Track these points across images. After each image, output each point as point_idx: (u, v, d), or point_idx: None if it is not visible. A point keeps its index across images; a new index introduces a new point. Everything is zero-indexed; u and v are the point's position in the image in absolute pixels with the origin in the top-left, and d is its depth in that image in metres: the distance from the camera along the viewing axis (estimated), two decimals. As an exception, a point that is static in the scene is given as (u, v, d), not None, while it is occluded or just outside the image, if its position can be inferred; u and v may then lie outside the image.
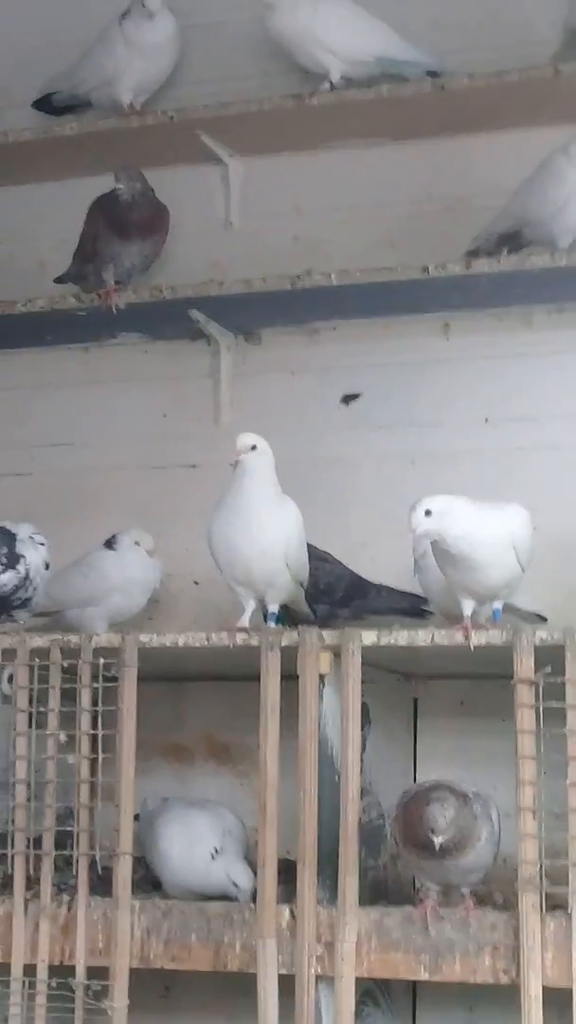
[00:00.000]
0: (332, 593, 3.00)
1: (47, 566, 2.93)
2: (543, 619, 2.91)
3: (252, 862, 2.81)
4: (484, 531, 2.60)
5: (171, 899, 2.76)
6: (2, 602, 2.89)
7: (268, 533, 2.76)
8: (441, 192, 3.31)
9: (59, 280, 3.43)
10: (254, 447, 2.76)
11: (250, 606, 2.80)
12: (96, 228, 3.33)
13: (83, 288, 3.37)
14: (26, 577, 2.89)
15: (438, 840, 2.43)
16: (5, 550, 2.87)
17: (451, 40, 3.30)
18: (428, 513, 2.56)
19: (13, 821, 2.80)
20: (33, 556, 2.90)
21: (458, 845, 2.46)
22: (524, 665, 2.54)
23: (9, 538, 2.89)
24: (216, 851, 2.76)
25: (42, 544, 2.93)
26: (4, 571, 2.86)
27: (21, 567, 2.88)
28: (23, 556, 2.89)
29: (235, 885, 2.72)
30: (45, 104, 3.60)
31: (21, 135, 3.47)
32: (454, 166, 3.30)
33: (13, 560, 2.88)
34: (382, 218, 3.33)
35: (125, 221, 3.28)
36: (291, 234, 3.41)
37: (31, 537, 2.92)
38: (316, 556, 2.95)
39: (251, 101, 3.30)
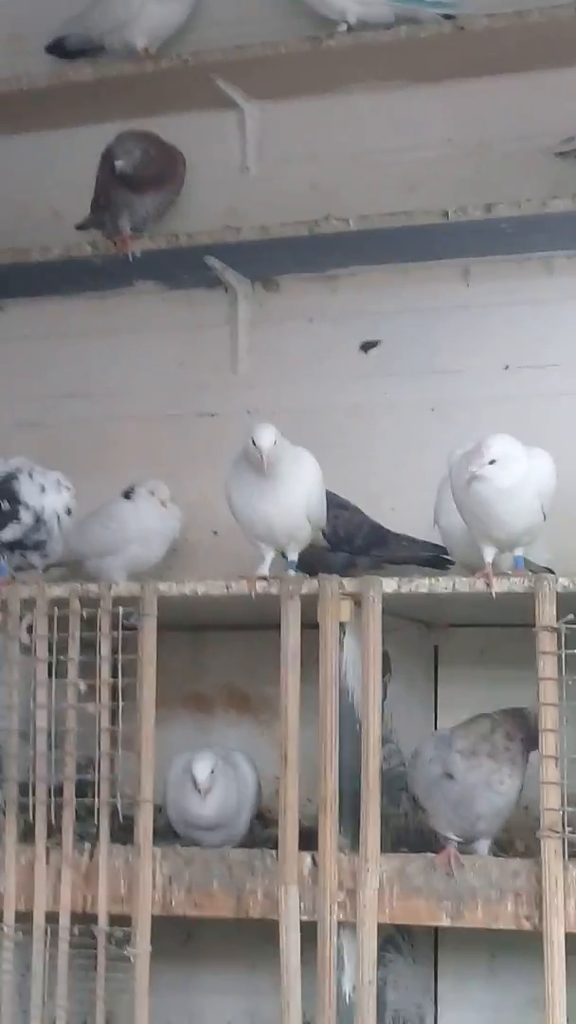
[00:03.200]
0: (351, 541, 2.98)
1: (69, 511, 2.92)
2: (551, 572, 2.89)
3: (267, 812, 2.83)
4: (520, 481, 2.57)
5: (191, 846, 2.76)
6: (14, 545, 2.89)
7: (289, 495, 2.74)
8: (461, 136, 3.28)
9: (80, 227, 3.39)
10: (275, 442, 2.70)
11: (269, 555, 2.79)
12: (106, 179, 3.30)
13: (103, 234, 3.33)
14: (37, 521, 2.88)
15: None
16: (3, 505, 2.86)
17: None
18: (492, 461, 2.54)
19: (34, 770, 2.80)
20: (53, 499, 2.89)
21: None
22: (546, 612, 2.52)
23: (6, 490, 2.88)
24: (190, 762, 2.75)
25: (67, 488, 2.92)
26: (2, 529, 2.86)
27: (26, 516, 2.87)
28: (24, 503, 2.87)
29: (194, 779, 2.71)
30: (58, 48, 3.56)
31: (35, 81, 3.44)
32: (474, 109, 3.26)
33: (10, 516, 2.87)
34: (401, 163, 3.30)
35: (132, 178, 3.25)
36: (308, 179, 3.37)
37: (58, 481, 2.92)
38: (336, 504, 2.93)
39: (267, 44, 3.25)
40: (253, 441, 2.68)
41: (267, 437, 2.68)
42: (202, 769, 2.72)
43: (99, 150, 3.35)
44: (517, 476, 2.56)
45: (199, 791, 2.71)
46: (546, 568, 2.88)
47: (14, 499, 2.89)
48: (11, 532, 2.88)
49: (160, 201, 3.31)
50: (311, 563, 2.85)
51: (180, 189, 3.34)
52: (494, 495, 2.57)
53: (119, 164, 3.22)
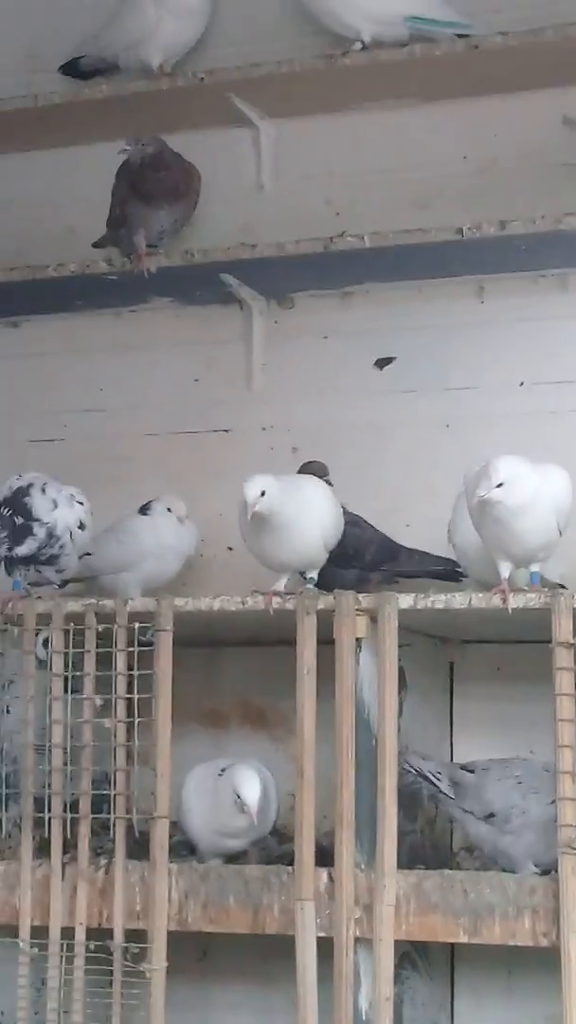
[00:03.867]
0: (362, 556, 2.99)
1: (81, 525, 2.93)
2: (563, 588, 2.89)
3: (283, 828, 2.83)
4: (535, 498, 2.58)
5: (207, 862, 2.76)
6: (28, 560, 2.90)
7: (301, 537, 2.76)
8: (475, 153, 3.28)
9: (97, 244, 3.41)
10: (263, 492, 2.69)
11: (286, 574, 2.80)
12: (123, 194, 3.31)
13: (120, 252, 3.34)
14: (49, 536, 2.88)
15: None
16: (12, 525, 2.87)
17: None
18: (500, 484, 2.54)
19: (50, 785, 2.80)
20: (65, 514, 2.90)
21: None
22: (562, 628, 2.53)
23: (16, 510, 2.88)
24: (223, 771, 2.73)
25: (80, 503, 2.93)
26: (15, 545, 2.87)
27: (39, 530, 2.88)
28: (38, 520, 2.88)
29: (238, 797, 2.67)
30: (72, 68, 3.57)
31: (50, 99, 3.44)
32: (488, 127, 3.27)
33: (25, 531, 2.87)
34: (415, 180, 3.30)
35: (148, 185, 3.26)
36: (323, 197, 3.38)
37: (71, 496, 2.92)
38: (347, 520, 2.94)
39: (282, 62, 3.26)
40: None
41: (251, 491, 2.67)
42: (252, 794, 2.68)
43: (114, 167, 3.37)
44: (527, 494, 2.57)
45: (247, 812, 2.68)
46: (559, 584, 2.88)
47: (28, 514, 2.90)
48: (26, 547, 2.89)
49: (176, 217, 3.32)
50: (325, 579, 2.86)
51: (195, 205, 3.35)
52: (508, 515, 2.57)
53: (128, 149, 3.22)
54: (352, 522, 2.97)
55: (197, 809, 2.79)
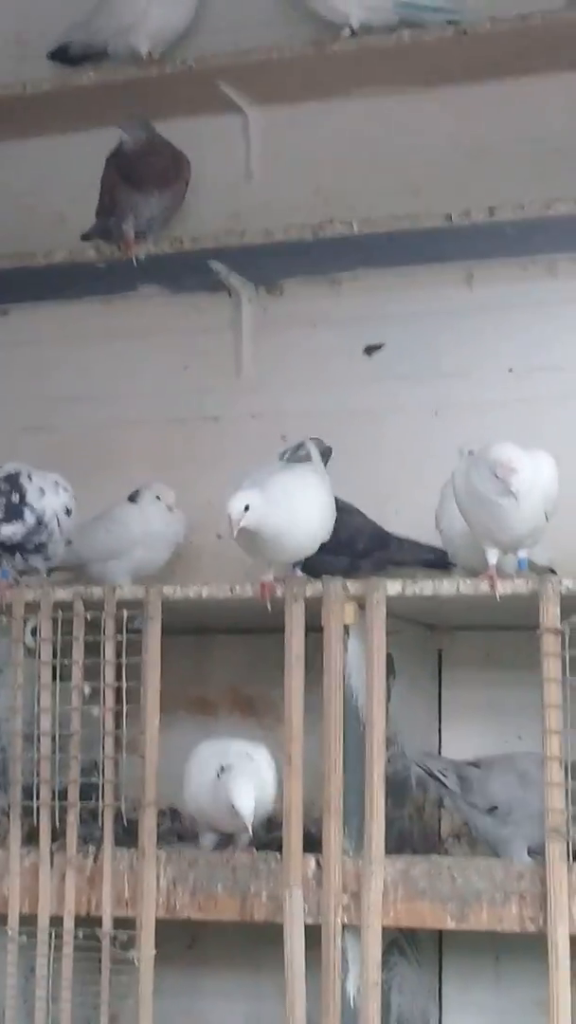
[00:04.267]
0: (353, 545, 2.98)
1: (68, 512, 2.92)
2: (553, 572, 2.89)
3: (271, 816, 2.82)
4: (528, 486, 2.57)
5: (196, 849, 2.76)
6: (14, 548, 2.89)
7: (298, 542, 2.74)
8: (464, 139, 3.27)
9: (85, 237, 3.39)
10: (247, 507, 2.65)
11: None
12: (112, 180, 3.30)
13: (110, 241, 3.32)
14: (38, 523, 2.88)
15: None
16: (4, 501, 2.86)
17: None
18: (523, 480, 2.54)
19: (38, 773, 2.80)
20: (52, 501, 2.89)
21: None
22: (550, 614, 2.53)
23: (13, 488, 2.88)
24: (222, 769, 2.67)
25: (65, 490, 2.92)
26: (8, 523, 2.86)
27: (29, 516, 2.87)
28: (29, 505, 2.87)
29: (231, 806, 2.62)
30: (61, 54, 3.56)
31: (39, 86, 3.44)
32: (477, 113, 3.26)
33: (16, 512, 2.87)
34: (404, 166, 3.30)
35: (138, 171, 3.25)
36: (312, 183, 3.38)
37: (56, 483, 2.92)
38: (338, 507, 2.93)
39: (271, 49, 3.26)
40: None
41: (234, 508, 2.63)
42: (246, 807, 2.61)
43: (103, 154, 3.36)
44: (529, 483, 2.56)
45: (244, 821, 2.63)
46: (548, 568, 2.89)
47: (23, 496, 2.89)
48: (11, 529, 2.87)
49: (165, 204, 3.30)
50: (315, 566, 2.85)
51: (184, 193, 3.34)
52: (513, 505, 2.56)
53: (125, 138, 3.20)
54: (344, 510, 2.96)
55: (195, 790, 2.75)
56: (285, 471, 2.82)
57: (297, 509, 2.73)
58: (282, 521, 2.69)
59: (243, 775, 2.65)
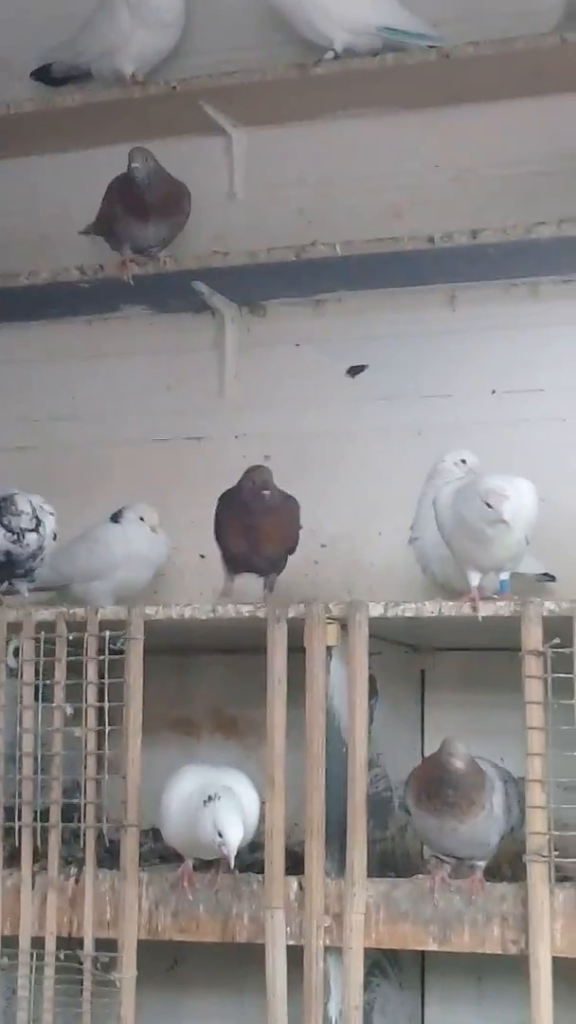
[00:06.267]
0: None
1: (55, 536, 2.93)
2: (552, 578, 2.91)
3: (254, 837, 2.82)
4: None
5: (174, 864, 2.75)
6: (13, 565, 2.89)
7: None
8: (447, 162, 3.30)
9: (84, 232, 3.38)
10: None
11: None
12: (113, 209, 3.27)
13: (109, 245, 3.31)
14: (41, 545, 2.89)
15: (456, 763, 2.44)
16: (31, 511, 2.87)
17: (452, 8, 3.28)
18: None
19: (20, 794, 2.79)
20: (45, 525, 2.90)
21: (465, 799, 2.45)
22: (532, 636, 2.53)
23: (29, 503, 2.89)
24: (209, 799, 2.62)
25: (51, 514, 2.93)
26: (32, 531, 2.86)
27: (43, 531, 2.88)
28: (44, 522, 2.89)
29: (219, 835, 2.57)
30: (44, 75, 3.57)
31: (22, 106, 3.45)
32: (460, 136, 3.28)
33: (39, 524, 2.88)
34: (387, 188, 3.31)
35: (142, 202, 3.21)
36: (295, 205, 3.39)
37: (42, 507, 2.92)
38: None
39: (254, 71, 3.27)
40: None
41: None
42: (233, 838, 2.56)
43: (87, 175, 3.38)
44: (517, 509, 2.58)
45: (225, 851, 2.59)
46: (545, 574, 2.90)
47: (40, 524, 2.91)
48: (24, 544, 2.88)
49: (163, 234, 3.26)
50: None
51: (184, 224, 3.30)
52: (503, 532, 2.57)
53: (136, 167, 3.16)
54: None
55: (177, 817, 2.72)
56: None
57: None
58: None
59: (231, 809, 2.61)
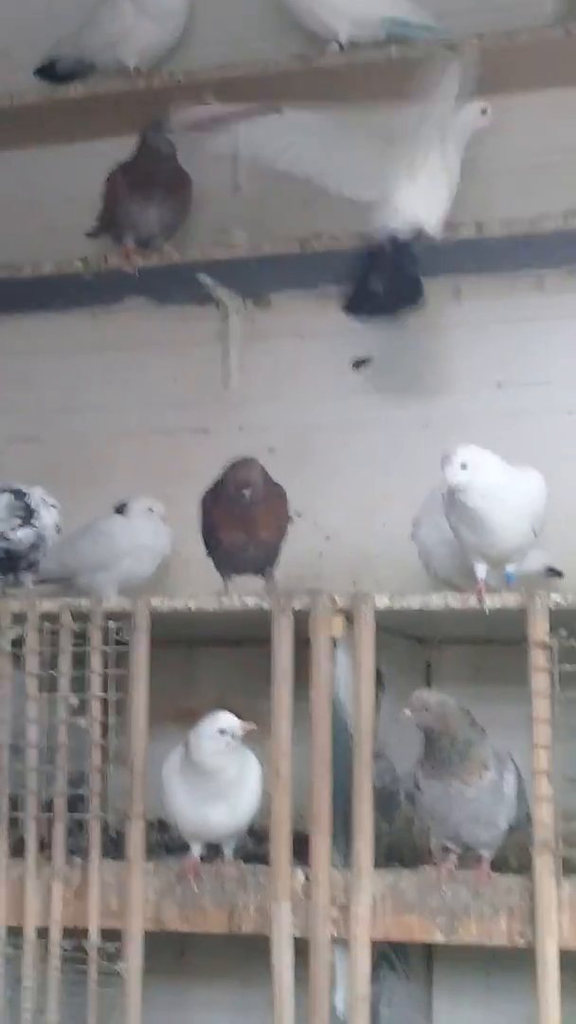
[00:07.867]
0: None
1: (58, 529, 2.93)
2: (559, 573, 2.90)
3: (261, 829, 2.82)
4: (506, 493, 2.58)
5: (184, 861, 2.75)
6: (15, 560, 2.89)
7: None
8: (452, 154, 3.28)
9: (91, 234, 3.39)
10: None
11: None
12: (115, 195, 3.28)
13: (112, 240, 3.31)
14: (41, 537, 2.89)
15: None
16: (22, 505, 2.86)
17: (457, 1, 3.27)
18: (464, 466, 2.54)
19: (25, 785, 2.79)
20: (45, 518, 2.90)
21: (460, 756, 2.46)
22: (538, 628, 2.53)
23: (23, 497, 2.88)
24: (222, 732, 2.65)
25: (54, 507, 2.93)
26: (22, 526, 2.86)
27: (38, 525, 2.88)
28: (39, 515, 2.89)
29: (221, 731, 2.62)
30: (48, 72, 3.56)
31: (26, 98, 3.44)
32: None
33: (30, 517, 2.88)
34: (392, 180, 3.30)
35: (148, 177, 3.23)
36: (300, 197, 3.37)
37: (43, 499, 2.92)
38: None
39: (258, 63, 3.27)
40: None
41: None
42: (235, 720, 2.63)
43: (91, 166, 3.37)
44: (494, 478, 2.57)
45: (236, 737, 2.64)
46: (552, 569, 2.90)
47: (29, 512, 2.91)
48: (22, 535, 2.88)
49: (166, 219, 3.28)
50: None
51: (185, 212, 3.31)
52: (480, 501, 2.56)
53: (157, 126, 3.19)
54: None
55: (177, 791, 2.74)
56: None
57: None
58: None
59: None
